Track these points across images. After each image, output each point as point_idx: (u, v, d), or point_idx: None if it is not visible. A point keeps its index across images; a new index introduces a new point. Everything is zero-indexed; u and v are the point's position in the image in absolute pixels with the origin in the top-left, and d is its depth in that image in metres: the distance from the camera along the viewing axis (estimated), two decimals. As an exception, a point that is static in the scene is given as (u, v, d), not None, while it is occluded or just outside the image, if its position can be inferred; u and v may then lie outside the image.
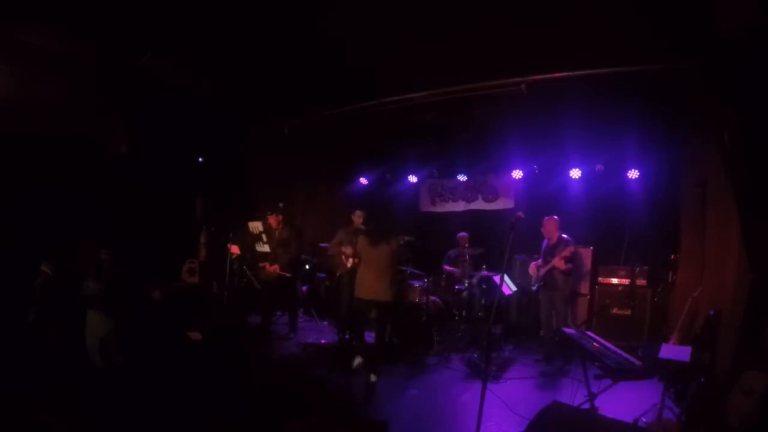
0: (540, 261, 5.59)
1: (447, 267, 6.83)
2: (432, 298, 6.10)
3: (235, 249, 6.11)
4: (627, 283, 5.96)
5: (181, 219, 7.21)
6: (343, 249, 5.84)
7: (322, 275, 7.45)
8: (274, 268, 5.86)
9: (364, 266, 4.76)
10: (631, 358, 3.03)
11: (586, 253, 6.28)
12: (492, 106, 5.34)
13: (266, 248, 6.05)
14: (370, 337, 5.36)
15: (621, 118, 5.44)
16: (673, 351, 3.77)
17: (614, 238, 6.39)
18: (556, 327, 5.24)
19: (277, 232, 6.04)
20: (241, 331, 6.06)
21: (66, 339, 4.33)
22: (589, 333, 3.57)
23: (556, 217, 5.51)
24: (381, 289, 4.66)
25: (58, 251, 5.46)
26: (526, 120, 5.85)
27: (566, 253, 5.25)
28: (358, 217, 5.92)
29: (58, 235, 5.45)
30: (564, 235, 5.43)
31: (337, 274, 6.29)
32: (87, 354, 4.19)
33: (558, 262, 5.27)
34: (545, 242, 5.58)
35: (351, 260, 5.05)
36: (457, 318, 6.30)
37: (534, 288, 5.65)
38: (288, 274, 5.93)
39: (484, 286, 6.44)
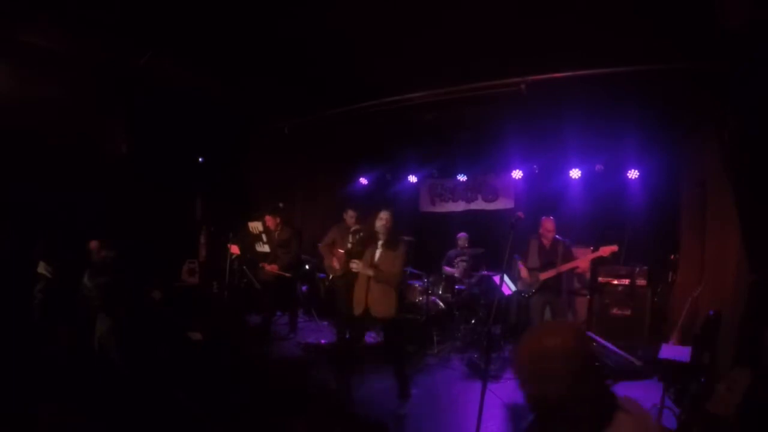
0: (521, 264, 5.33)
1: (447, 268, 6.83)
2: (432, 298, 6.10)
3: (235, 249, 6.11)
4: (627, 283, 5.95)
5: (181, 219, 7.22)
6: (335, 251, 5.68)
7: (322, 275, 7.44)
8: (272, 268, 5.86)
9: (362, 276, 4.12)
10: (631, 358, 3.03)
11: (586, 253, 6.27)
12: (492, 106, 5.33)
13: (266, 248, 6.04)
14: (369, 336, 5.38)
15: (621, 118, 5.43)
16: (673, 351, 3.77)
17: (614, 238, 6.37)
18: None
19: (276, 233, 6.02)
20: (241, 331, 6.06)
21: (78, 339, 4.34)
22: (589, 333, 3.57)
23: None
24: (386, 303, 4.03)
25: (58, 251, 5.47)
26: (526, 120, 5.84)
27: (604, 252, 4.92)
28: (350, 217, 5.76)
29: (57, 235, 5.45)
30: (557, 236, 5.27)
31: (330, 277, 6.14)
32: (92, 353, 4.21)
33: (586, 263, 5.01)
34: (537, 243, 5.31)
35: (352, 266, 4.78)
36: (457, 318, 6.30)
37: (529, 294, 5.26)
38: (288, 274, 5.93)
39: (484, 286, 6.44)
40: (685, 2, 3.14)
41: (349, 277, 4.79)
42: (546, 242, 5.29)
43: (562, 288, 5.22)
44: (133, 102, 5.84)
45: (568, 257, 5.19)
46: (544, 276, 5.16)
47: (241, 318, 6.44)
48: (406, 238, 5.97)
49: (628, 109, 5.16)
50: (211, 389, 3.90)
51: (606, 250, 4.98)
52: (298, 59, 4.77)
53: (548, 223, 5.28)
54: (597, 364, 1.26)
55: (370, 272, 3.98)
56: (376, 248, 4.13)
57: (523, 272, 5.35)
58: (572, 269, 5.25)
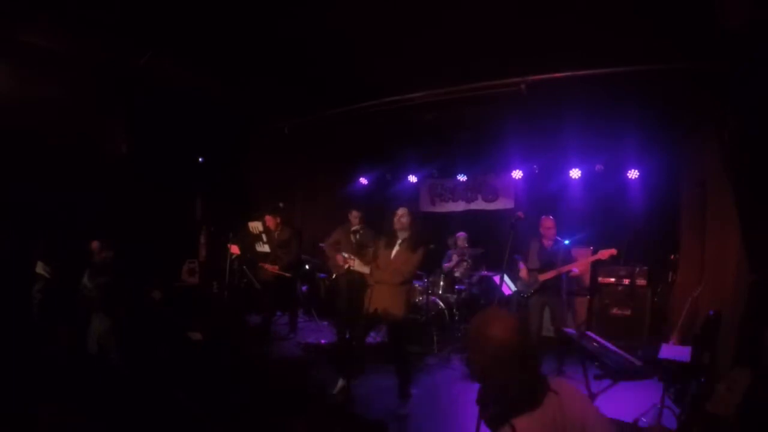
0: (522, 265, 5.28)
1: (446, 264, 6.83)
2: (432, 298, 6.10)
3: (235, 249, 6.11)
4: (627, 283, 5.95)
5: (181, 219, 7.21)
6: (338, 254, 5.72)
7: (322, 275, 7.44)
8: (273, 268, 5.85)
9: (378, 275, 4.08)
10: (631, 358, 3.03)
11: (586, 253, 6.26)
12: (492, 106, 5.33)
13: (266, 248, 6.04)
14: (370, 336, 5.37)
15: (621, 118, 5.43)
16: (673, 351, 3.77)
17: (614, 238, 6.38)
18: (555, 331, 5.15)
19: (276, 233, 6.02)
20: (241, 331, 6.06)
21: (78, 339, 4.35)
22: (589, 333, 3.57)
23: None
24: (393, 303, 3.98)
25: (57, 251, 5.47)
26: (526, 120, 5.84)
27: (602, 256, 4.89)
28: (354, 217, 5.76)
29: (57, 236, 5.45)
30: (558, 237, 5.23)
31: (333, 275, 6.20)
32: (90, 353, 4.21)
33: (584, 265, 4.92)
34: (538, 243, 5.26)
35: (349, 263, 4.71)
36: (457, 318, 6.30)
37: (528, 295, 5.20)
38: (288, 275, 5.92)
39: (484, 286, 6.44)
40: (685, 2, 3.15)
41: (352, 276, 4.79)
42: (546, 243, 5.24)
43: (561, 289, 5.14)
44: (133, 102, 5.84)
45: (568, 259, 5.14)
46: (543, 277, 5.11)
47: (241, 318, 6.44)
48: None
49: (628, 109, 5.16)
50: (211, 389, 3.90)
51: (605, 254, 4.94)
52: (298, 59, 4.77)
53: (547, 222, 5.22)
54: (534, 354, 1.46)
55: (366, 270, 3.97)
56: (395, 246, 4.05)
57: (523, 272, 5.28)
58: (570, 271, 5.21)
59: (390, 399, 4.13)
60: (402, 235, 4.06)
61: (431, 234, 4.32)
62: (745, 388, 2.58)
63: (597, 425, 1.40)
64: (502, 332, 1.39)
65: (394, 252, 4.07)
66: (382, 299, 3.95)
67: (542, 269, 5.14)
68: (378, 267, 4.08)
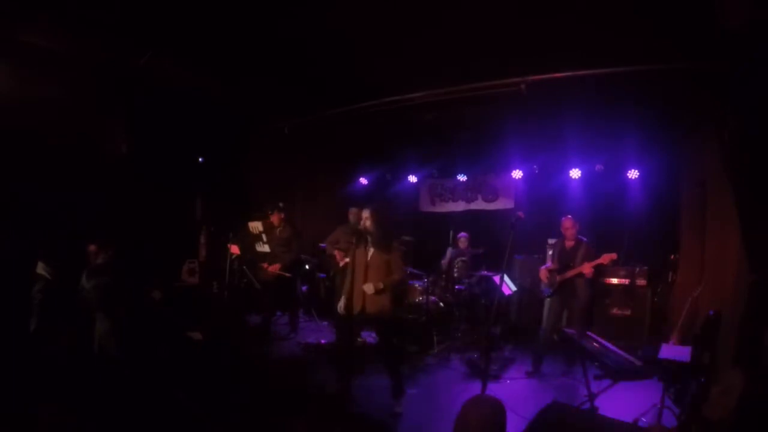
0: (550, 264, 5.26)
1: (443, 261, 6.84)
2: (432, 298, 6.10)
3: (235, 249, 6.11)
4: (627, 283, 5.95)
5: (181, 219, 7.21)
6: (336, 251, 5.77)
7: (322, 275, 7.44)
8: (274, 268, 5.85)
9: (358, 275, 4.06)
10: (631, 358, 3.03)
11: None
12: (492, 106, 5.33)
13: (266, 248, 6.04)
14: (369, 336, 5.38)
15: (621, 118, 5.43)
16: (673, 351, 3.77)
17: (614, 238, 6.38)
18: (557, 331, 5.11)
19: (278, 230, 6.02)
20: (241, 331, 6.06)
21: (78, 339, 4.35)
22: (589, 333, 3.57)
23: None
24: (378, 300, 3.95)
25: (57, 252, 5.47)
26: (526, 120, 5.85)
27: (603, 260, 4.86)
28: (353, 215, 5.76)
29: (56, 236, 5.45)
30: (582, 237, 5.15)
31: (331, 272, 6.25)
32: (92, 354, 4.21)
33: (588, 269, 4.88)
34: (560, 244, 5.24)
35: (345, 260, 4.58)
36: (457, 318, 6.30)
37: (547, 294, 5.18)
38: (288, 274, 5.93)
39: (484, 286, 6.44)
40: (685, 2, 3.15)
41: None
42: (568, 244, 5.17)
43: (578, 290, 5.04)
44: (133, 102, 5.84)
45: (587, 259, 5.01)
46: (560, 278, 5.08)
47: (241, 318, 6.44)
48: (406, 238, 5.98)
49: (628, 109, 5.16)
50: (211, 389, 3.90)
51: (606, 258, 4.90)
52: (298, 59, 4.77)
53: (566, 222, 5.16)
54: None
55: (381, 285, 3.92)
56: (368, 247, 4.03)
57: (542, 273, 5.23)
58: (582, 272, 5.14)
59: (390, 399, 4.12)
60: (371, 237, 4.01)
61: (393, 232, 4.26)
62: (740, 391, 2.57)
63: None
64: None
65: (369, 253, 4.02)
66: (367, 298, 3.93)
67: (562, 270, 5.11)
68: (355, 265, 4.04)
